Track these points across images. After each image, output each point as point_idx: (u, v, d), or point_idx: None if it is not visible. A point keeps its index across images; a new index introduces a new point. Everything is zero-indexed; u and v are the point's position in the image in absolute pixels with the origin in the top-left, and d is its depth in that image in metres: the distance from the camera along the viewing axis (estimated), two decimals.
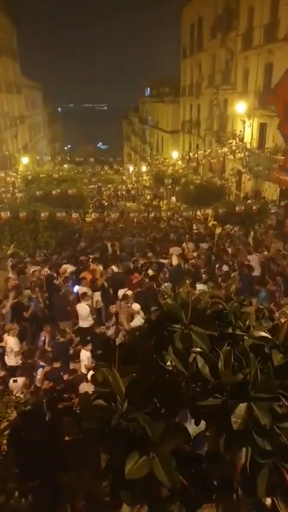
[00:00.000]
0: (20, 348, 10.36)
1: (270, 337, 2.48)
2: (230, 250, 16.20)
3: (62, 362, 9.71)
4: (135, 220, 23.10)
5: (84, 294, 11.77)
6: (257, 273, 14.08)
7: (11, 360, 10.09)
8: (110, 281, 13.09)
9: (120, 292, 11.71)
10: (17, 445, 4.75)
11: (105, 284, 12.94)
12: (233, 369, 2.28)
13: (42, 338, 10.73)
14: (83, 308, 11.55)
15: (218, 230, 20.54)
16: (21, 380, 8.81)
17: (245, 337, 2.53)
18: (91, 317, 11.65)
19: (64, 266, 14.29)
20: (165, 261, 14.69)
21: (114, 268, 13.82)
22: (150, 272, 13.50)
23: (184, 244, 16.56)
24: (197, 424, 2.45)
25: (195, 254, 15.54)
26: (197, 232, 19.37)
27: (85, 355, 9.72)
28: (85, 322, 11.55)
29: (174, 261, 14.36)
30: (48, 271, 14.02)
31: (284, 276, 13.51)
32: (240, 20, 30.42)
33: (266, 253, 15.58)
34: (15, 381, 8.84)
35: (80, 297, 11.83)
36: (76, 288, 12.87)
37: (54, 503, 4.74)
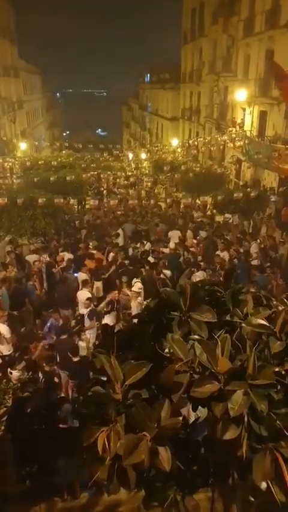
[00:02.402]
0: (12, 336, 10.29)
1: (267, 324, 2.50)
2: (228, 238, 16.19)
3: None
4: (135, 207, 23.00)
5: (86, 281, 11.76)
6: (256, 262, 14.05)
7: (3, 348, 10.02)
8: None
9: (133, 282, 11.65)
10: (15, 431, 4.79)
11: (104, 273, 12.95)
12: (230, 356, 2.30)
13: (49, 324, 10.74)
14: (83, 295, 11.56)
15: (218, 218, 20.55)
16: (16, 374, 8.79)
17: (243, 325, 2.55)
18: (91, 304, 11.64)
19: (61, 254, 14.22)
20: (166, 250, 14.68)
21: (111, 255, 13.82)
22: (151, 260, 13.50)
23: (189, 231, 16.58)
24: (194, 410, 2.48)
25: (194, 241, 15.51)
26: (198, 221, 19.30)
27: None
28: (85, 309, 11.56)
29: (171, 244, 14.37)
30: (48, 259, 13.98)
31: (281, 264, 13.55)
32: (242, 5, 30.03)
33: (259, 240, 15.62)
34: (10, 373, 8.83)
35: (81, 284, 11.83)
36: (76, 275, 12.86)
37: (51, 488, 4.79)
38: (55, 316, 10.62)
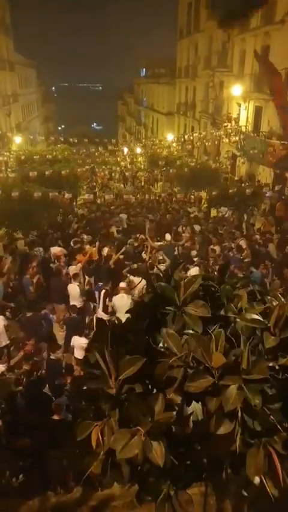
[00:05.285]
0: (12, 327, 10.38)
1: (261, 319, 2.49)
2: (223, 233, 16.20)
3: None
4: (130, 202, 22.99)
5: (76, 275, 11.75)
6: (248, 258, 14.01)
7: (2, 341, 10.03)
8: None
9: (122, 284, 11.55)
10: (8, 425, 4.79)
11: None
12: (224, 351, 2.30)
13: (51, 316, 10.84)
14: (73, 288, 11.56)
15: (213, 213, 20.59)
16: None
17: (237, 320, 2.54)
18: (81, 298, 11.65)
19: (55, 248, 14.19)
20: (161, 243, 14.67)
21: (105, 250, 13.79)
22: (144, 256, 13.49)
23: (181, 226, 16.59)
24: (188, 404, 2.48)
25: (187, 235, 15.51)
26: (194, 216, 19.32)
27: (79, 341, 9.70)
28: (76, 302, 11.56)
29: (167, 237, 14.48)
30: (42, 253, 13.96)
31: (273, 260, 13.57)
32: None
33: (257, 237, 15.59)
34: None
35: (72, 278, 11.83)
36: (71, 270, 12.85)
37: (44, 483, 4.79)
38: (49, 307, 10.69)
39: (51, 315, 10.83)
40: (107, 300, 11.01)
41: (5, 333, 9.97)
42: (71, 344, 9.82)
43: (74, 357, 9.73)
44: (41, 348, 9.64)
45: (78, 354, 9.56)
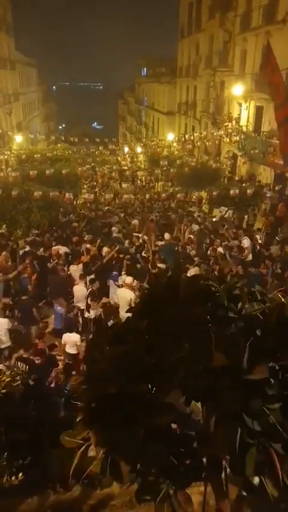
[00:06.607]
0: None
1: (262, 319, 2.49)
2: (224, 232, 16.19)
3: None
4: (130, 201, 22.96)
5: (82, 276, 11.78)
6: (249, 257, 14.04)
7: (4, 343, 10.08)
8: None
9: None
10: (8, 423, 4.78)
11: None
12: (224, 351, 2.29)
13: (61, 311, 10.93)
14: (78, 289, 11.60)
15: (214, 213, 20.58)
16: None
17: (237, 320, 2.54)
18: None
19: (55, 247, 14.20)
20: (161, 243, 14.67)
21: (105, 249, 13.80)
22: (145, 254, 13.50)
23: (183, 226, 16.60)
24: (187, 404, 2.47)
25: (190, 236, 15.51)
26: (195, 216, 19.32)
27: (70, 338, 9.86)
28: (81, 303, 11.60)
29: (166, 236, 14.54)
30: (42, 252, 13.97)
31: (274, 260, 13.57)
32: (239, 0, 29.95)
33: (257, 236, 15.59)
34: None
35: (79, 278, 11.88)
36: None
37: (44, 482, 4.79)
38: (60, 301, 10.85)
39: (59, 308, 11.07)
40: (89, 299, 11.18)
41: (8, 335, 10.06)
42: (62, 341, 10.01)
43: (66, 352, 9.85)
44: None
45: (70, 349, 9.75)
